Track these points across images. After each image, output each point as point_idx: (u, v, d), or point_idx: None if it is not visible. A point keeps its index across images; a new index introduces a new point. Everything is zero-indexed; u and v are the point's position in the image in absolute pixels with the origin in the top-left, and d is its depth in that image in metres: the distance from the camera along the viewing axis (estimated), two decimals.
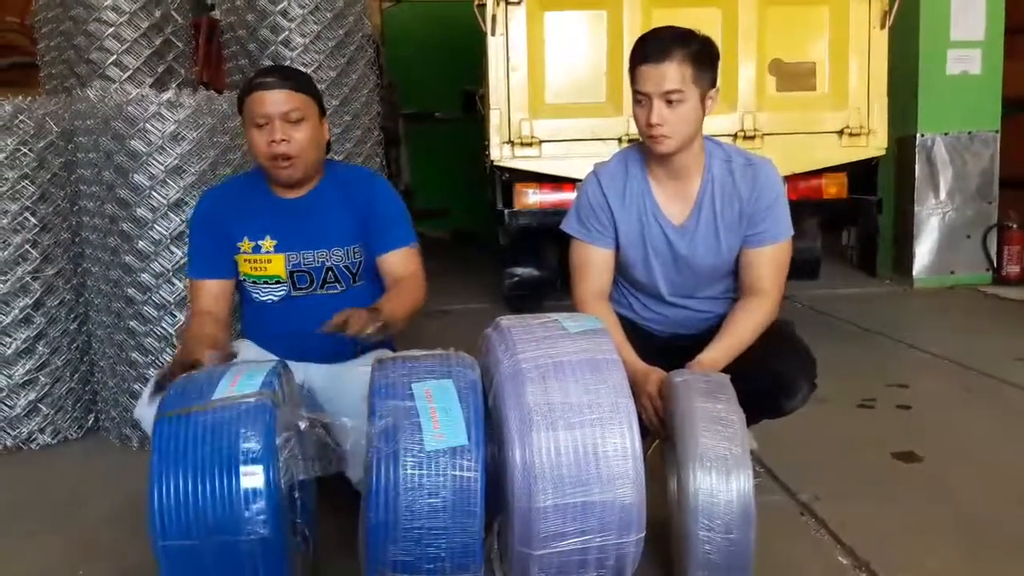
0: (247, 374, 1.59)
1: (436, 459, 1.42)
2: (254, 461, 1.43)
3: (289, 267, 2.11)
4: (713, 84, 1.99)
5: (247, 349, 2.13)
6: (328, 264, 2.12)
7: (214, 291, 2.13)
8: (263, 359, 1.90)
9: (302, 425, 1.59)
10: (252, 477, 1.42)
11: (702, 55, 1.96)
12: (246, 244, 2.12)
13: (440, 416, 1.46)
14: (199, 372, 1.67)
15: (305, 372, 2.14)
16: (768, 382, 2.01)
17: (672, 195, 2.10)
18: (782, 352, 2.06)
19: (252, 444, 1.44)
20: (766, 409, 2.10)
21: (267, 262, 2.11)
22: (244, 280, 2.16)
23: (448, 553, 1.43)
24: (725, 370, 1.92)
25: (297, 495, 1.63)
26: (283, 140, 2.01)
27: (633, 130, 4.08)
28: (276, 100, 2.01)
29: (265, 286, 2.14)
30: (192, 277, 2.16)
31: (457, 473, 1.42)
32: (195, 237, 2.19)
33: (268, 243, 2.10)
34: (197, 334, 1.95)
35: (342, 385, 2.01)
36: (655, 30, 2.04)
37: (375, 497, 1.41)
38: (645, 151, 2.11)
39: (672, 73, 1.91)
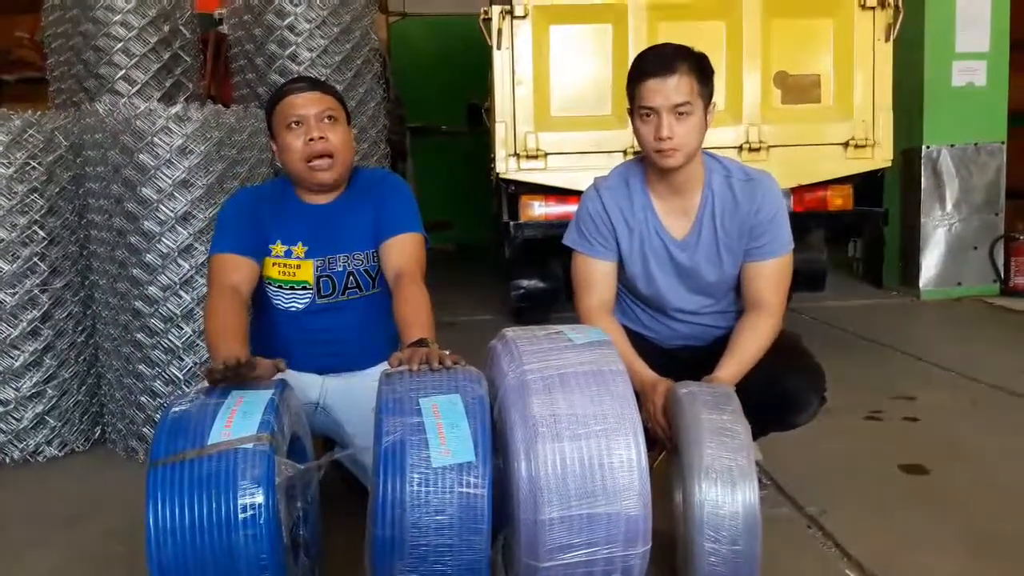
0: (243, 411, 1.53)
1: (443, 475, 1.41)
2: (254, 516, 1.40)
3: (316, 273, 2.11)
4: (711, 98, 2.01)
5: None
6: (350, 269, 2.12)
7: (244, 267, 2.04)
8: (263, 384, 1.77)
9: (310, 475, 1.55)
10: (253, 531, 1.40)
11: (702, 68, 1.98)
12: (278, 247, 2.11)
13: (447, 432, 1.44)
14: (191, 407, 1.57)
15: (322, 387, 2.14)
16: (778, 396, 2.02)
17: (673, 210, 2.11)
18: (792, 366, 2.06)
19: (250, 499, 1.40)
20: (776, 422, 2.10)
21: (296, 267, 2.11)
22: (269, 285, 2.13)
23: (455, 570, 1.42)
24: (736, 385, 1.92)
25: (301, 532, 1.61)
26: (321, 138, 2.03)
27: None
28: (310, 101, 2.05)
29: (291, 292, 2.12)
30: (221, 251, 2.05)
31: (464, 490, 1.41)
32: (229, 218, 2.11)
33: (299, 249, 2.11)
34: (237, 334, 1.87)
35: (359, 399, 2.00)
36: (654, 47, 2.06)
37: (381, 513, 1.40)
38: (645, 166, 2.12)
39: (681, 86, 1.93)
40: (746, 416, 1.70)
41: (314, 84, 2.12)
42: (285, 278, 2.12)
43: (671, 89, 1.92)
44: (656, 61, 1.96)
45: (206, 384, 1.67)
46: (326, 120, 2.05)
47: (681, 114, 1.94)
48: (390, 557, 1.41)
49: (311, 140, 2.02)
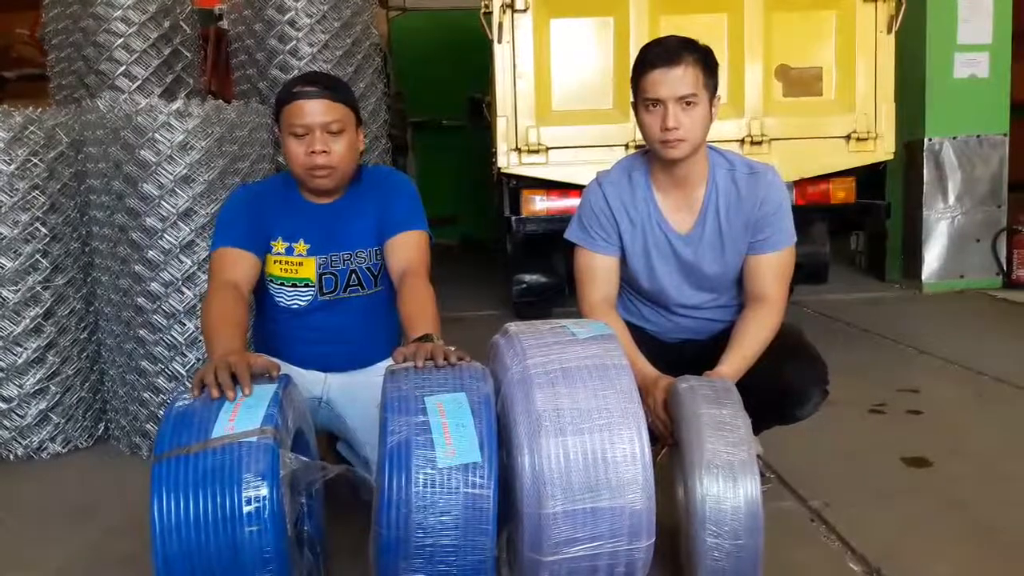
0: (247, 405, 1.53)
1: (448, 476, 1.39)
2: (258, 510, 1.39)
3: (319, 270, 2.10)
4: (716, 91, 2.01)
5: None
6: (352, 266, 2.12)
7: (244, 262, 2.02)
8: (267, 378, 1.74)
9: (317, 474, 1.55)
10: (257, 526, 1.39)
11: (708, 60, 1.98)
12: (279, 244, 2.11)
13: (453, 432, 1.43)
14: (195, 401, 1.56)
15: (324, 383, 2.15)
16: (780, 390, 2.02)
17: (676, 204, 2.10)
18: (793, 359, 2.06)
19: (255, 492, 1.40)
20: (778, 416, 2.10)
21: (299, 264, 2.10)
22: (271, 282, 2.13)
23: (460, 571, 1.41)
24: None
25: (305, 526, 1.61)
26: (323, 151, 1.99)
27: (640, 136, 4.11)
28: (317, 111, 1.99)
29: (293, 289, 2.12)
30: (222, 246, 2.03)
31: (470, 491, 1.39)
32: (230, 214, 2.10)
33: (301, 246, 2.10)
34: (236, 332, 1.82)
35: (361, 393, 2.00)
36: (659, 39, 2.06)
37: (386, 513, 1.39)
38: (648, 160, 2.11)
39: (687, 76, 1.93)
40: (748, 410, 1.70)
41: (325, 89, 2.03)
42: (287, 275, 2.11)
43: (677, 80, 1.92)
44: (662, 52, 1.95)
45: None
46: (331, 132, 2.01)
47: (688, 104, 1.93)
48: (395, 557, 1.41)
49: (312, 152, 1.99)
